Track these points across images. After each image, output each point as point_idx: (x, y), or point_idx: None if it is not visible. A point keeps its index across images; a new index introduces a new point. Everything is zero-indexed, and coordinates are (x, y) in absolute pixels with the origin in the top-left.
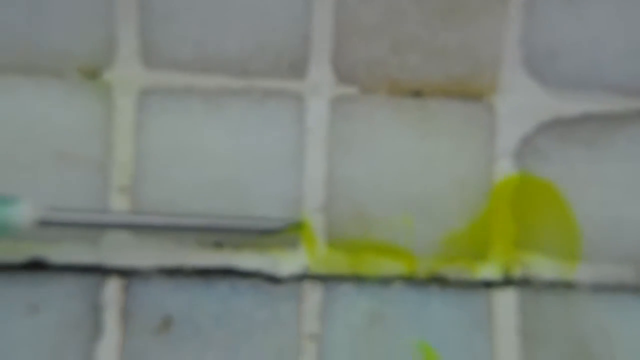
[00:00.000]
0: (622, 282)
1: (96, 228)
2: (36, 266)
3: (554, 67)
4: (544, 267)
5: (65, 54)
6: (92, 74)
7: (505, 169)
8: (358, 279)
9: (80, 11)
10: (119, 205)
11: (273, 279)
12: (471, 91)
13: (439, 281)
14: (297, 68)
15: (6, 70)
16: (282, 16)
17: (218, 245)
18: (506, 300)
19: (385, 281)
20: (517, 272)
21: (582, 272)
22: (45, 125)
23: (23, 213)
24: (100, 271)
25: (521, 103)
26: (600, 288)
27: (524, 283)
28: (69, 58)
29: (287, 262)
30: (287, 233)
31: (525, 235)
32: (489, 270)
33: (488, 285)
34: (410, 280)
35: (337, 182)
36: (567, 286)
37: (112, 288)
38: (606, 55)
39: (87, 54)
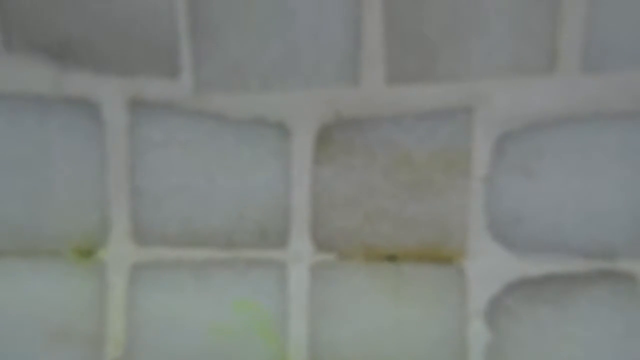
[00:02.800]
0: None
1: None
2: None
3: (517, 232)
4: None
5: (61, 237)
6: (87, 253)
7: (477, 329)
8: None
9: (75, 197)
10: None
11: None
12: (442, 256)
13: None
14: (279, 239)
15: (6, 254)
16: (263, 192)
17: None
18: None
19: None
20: None
21: None
22: (41, 304)
23: None
24: None
25: (489, 266)
26: None
27: None
28: (65, 240)
29: None
30: None
31: None
32: None
33: None
34: None
35: (319, 344)
36: None
37: None
38: (566, 221)
39: (81, 236)
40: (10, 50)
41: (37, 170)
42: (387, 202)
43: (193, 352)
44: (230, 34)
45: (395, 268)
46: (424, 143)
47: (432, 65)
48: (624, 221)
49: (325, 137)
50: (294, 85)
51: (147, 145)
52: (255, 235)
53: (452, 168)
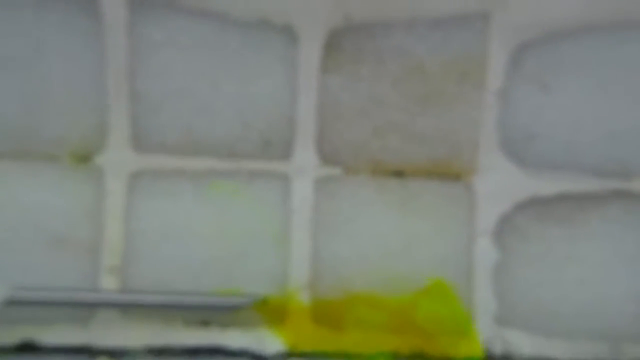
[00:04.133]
0: (598, 358)
1: (84, 307)
2: (27, 348)
3: (530, 149)
4: (524, 343)
5: (58, 140)
6: (84, 159)
7: (484, 247)
8: (343, 356)
9: (74, 100)
10: (108, 285)
11: (259, 358)
12: (450, 172)
13: (422, 358)
14: (283, 150)
15: (1, 157)
16: (268, 101)
17: (205, 323)
18: None
19: (370, 358)
20: (498, 348)
21: (559, 349)
22: (38, 209)
23: None
24: (89, 352)
25: (499, 183)
26: None
27: (505, 359)
28: (62, 144)
29: (272, 341)
30: (251, 310)
31: (507, 312)
32: (470, 348)
33: None
34: (394, 358)
35: (322, 260)
36: None
37: None
38: (581, 138)
39: (79, 140)
40: None
41: (33, 69)
42: (396, 115)
43: (192, 261)
44: None
45: (403, 183)
46: (437, 52)
47: None
48: None
49: (333, 44)
50: None
51: (148, 46)
52: (259, 145)
53: (466, 79)
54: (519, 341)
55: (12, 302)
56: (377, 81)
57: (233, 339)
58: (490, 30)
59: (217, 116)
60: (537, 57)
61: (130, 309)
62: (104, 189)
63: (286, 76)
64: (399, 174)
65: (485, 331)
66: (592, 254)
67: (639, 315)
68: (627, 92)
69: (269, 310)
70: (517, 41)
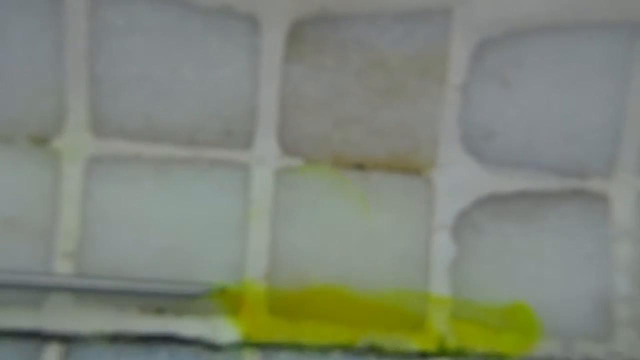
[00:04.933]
0: (552, 356)
1: (37, 290)
2: None
3: (490, 146)
4: (478, 339)
5: (15, 122)
6: (42, 142)
7: (442, 242)
8: (297, 347)
9: (32, 82)
10: (63, 270)
11: (213, 347)
12: (411, 166)
13: (376, 351)
14: (244, 139)
15: None
16: (229, 89)
17: (160, 311)
18: None
19: (324, 350)
20: (452, 343)
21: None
22: None
23: None
24: (40, 337)
25: (459, 179)
26: None
27: (458, 354)
28: (19, 125)
29: (227, 330)
30: (209, 299)
31: (462, 307)
32: (424, 341)
33: (423, 355)
34: (349, 350)
35: (280, 250)
36: (499, 358)
37: (52, 354)
38: (540, 137)
39: (37, 122)
40: None
41: None
42: (358, 107)
43: (149, 248)
44: None
45: (363, 176)
46: (399, 46)
47: None
48: (600, 139)
49: (297, 34)
50: None
51: (109, 30)
52: (219, 134)
53: (428, 74)
54: (474, 336)
55: None
56: (340, 73)
57: (188, 327)
58: (453, 26)
59: (177, 103)
60: (498, 54)
61: (85, 294)
62: (61, 173)
63: (248, 64)
64: (359, 166)
65: (440, 325)
66: (549, 251)
67: (593, 314)
68: (586, 92)
69: (225, 300)
70: (479, 37)
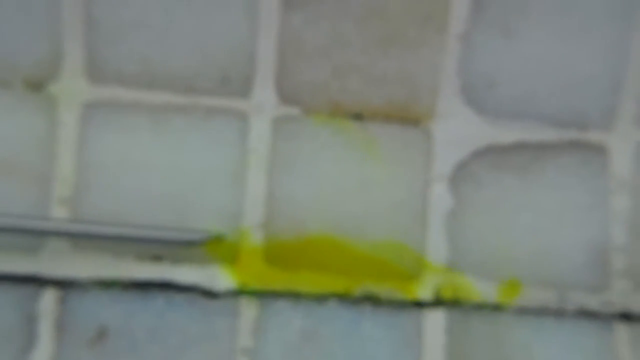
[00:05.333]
0: (546, 306)
1: (33, 235)
2: None
3: (490, 97)
4: (473, 289)
5: (10, 65)
6: (37, 86)
7: (440, 193)
8: (294, 296)
9: (27, 24)
10: (59, 216)
11: (209, 294)
12: (409, 117)
13: (372, 300)
14: (241, 87)
15: None
16: (227, 36)
17: (157, 258)
18: (436, 321)
19: (320, 299)
20: (447, 293)
21: (509, 295)
22: None
23: None
24: (36, 282)
25: (457, 130)
26: (525, 311)
27: (453, 304)
28: (14, 69)
29: (224, 278)
30: (206, 246)
31: (458, 257)
32: (420, 291)
33: (419, 305)
34: (345, 299)
35: (277, 200)
36: (494, 308)
37: (48, 299)
38: (541, 87)
39: (32, 66)
40: None
41: None
42: (357, 56)
43: (146, 196)
44: None
45: (361, 126)
46: None
47: None
48: (601, 90)
49: None
50: None
51: None
52: (217, 81)
53: (428, 22)
54: (469, 286)
55: None
56: (340, 20)
57: (184, 274)
58: None
59: (175, 49)
60: (500, 3)
61: (81, 240)
62: (57, 119)
63: (247, 11)
64: (358, 116)
65: (436, 275)
66: (546, 203)
67: (587, 264)
68: (588, 43)
69: (221, 248)
70: None
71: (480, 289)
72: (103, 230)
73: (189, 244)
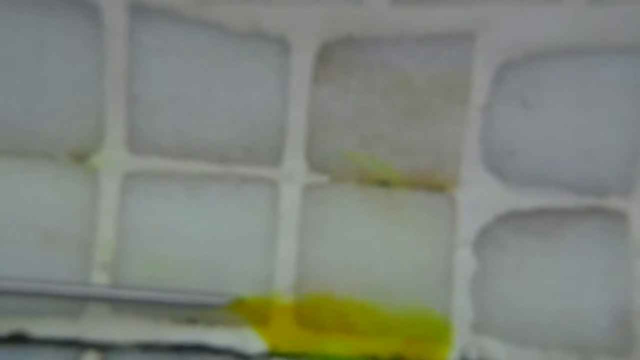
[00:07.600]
0: None
1: (75, 300)
2: (17, 339)
3: (511, 164)
4: (498, 351)
5: (56, 140)
6: (81, 158)
7: (464, 257)
8: (324, 358)
9: (73, 101)
10: (100, 281)
11: (243, 356)
12: (434, 184)
13: None
14: (273, 157)
15: (1, 154)
16: (260, 109)
17: (191, 321)
18: None
19: None
20: (473, 355)
21: (533, 358)
22: (33, 206)
23: None
24: (78, 345)
25: (480, 196)
26: None
27: None
28: (60, 143)
29: (256, 340)
30: (227, 310)
31: (483, 320)
32: (447, 354)
33: None
34: None
35: (307, 264)
36: None
37: None
38: (560, 155)
39: (76, 140)
40: None
41: (34, 70)
42: (384, 126)
43: (181, 261)
44: None
45: (388, 193)
46: (424, 67)
47: None
48: (618, 158)
49: (325, 56)
50: (297, 0)
51: (146, 52)
52: (249, 151)
53: (451, 95)
54: (494, 349)
55: (4, 292)
56: (366, 93)
57: (218, 337)
58: (475, 49)
59: (210, 122)
60: (519, 76)
61: (120, 304)
62: (99, 188)
63: (278, 85)
64: (384, 183)
65: (462, 338)
66: (567, 267)
67: (611, 328)
68: (604, 113)
69: (248, 310)
70: (500, 60)
71: (506, 352)
72: (139, 295)
73: (220, 307)
